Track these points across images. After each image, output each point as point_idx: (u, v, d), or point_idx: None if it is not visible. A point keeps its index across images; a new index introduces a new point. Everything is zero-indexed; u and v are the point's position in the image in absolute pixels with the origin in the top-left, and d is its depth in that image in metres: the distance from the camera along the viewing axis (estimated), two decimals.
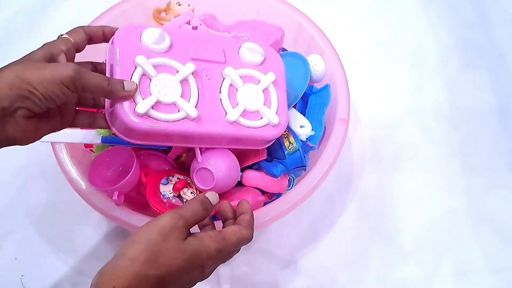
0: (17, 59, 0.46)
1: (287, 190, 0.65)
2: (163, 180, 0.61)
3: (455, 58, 0.88)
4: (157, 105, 0.51)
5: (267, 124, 0.57)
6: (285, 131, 0.63)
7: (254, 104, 0.57)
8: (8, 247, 0.70)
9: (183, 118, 0.52)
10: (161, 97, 0.51)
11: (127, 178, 0.57)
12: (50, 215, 0.72)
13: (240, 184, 0.63)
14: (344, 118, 0.64)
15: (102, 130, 0.63)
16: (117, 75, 0.50)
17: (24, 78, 0.43)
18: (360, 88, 0.84)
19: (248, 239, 0.48)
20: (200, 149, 0.59)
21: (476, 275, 0.70)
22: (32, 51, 0.47)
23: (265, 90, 0.58)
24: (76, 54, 0.50)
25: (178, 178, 0.62)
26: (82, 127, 0.54)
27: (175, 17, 0.71)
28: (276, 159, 0.63)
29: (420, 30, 0.92)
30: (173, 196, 0.60)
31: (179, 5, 0.72)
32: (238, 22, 0.73)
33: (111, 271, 0.41)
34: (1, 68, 0.44)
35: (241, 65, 0.58)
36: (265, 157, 0.63)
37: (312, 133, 0.64)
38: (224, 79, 0.57)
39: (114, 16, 0.71)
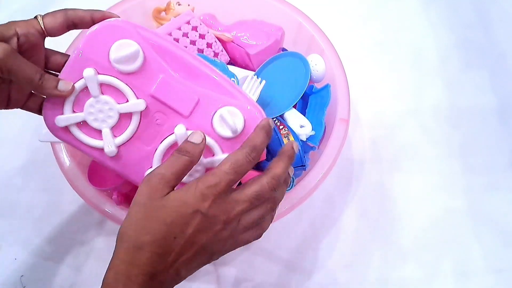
0: None
1: (287, 190, 0.65)
2: None
3: (455, 58, 0.88)
4: (83, 123, 0.47)
5: None
6: (285, 131, 0.62)
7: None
8: (8, 247, 0.70)
9: (101, 149, 0.48)
10: (89, 120, 0.47)
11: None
12: (50, 215, 0.72)
13: (239, 184, 0.63)
14: (344, 118, 0.64)
15: None
16: (61, 73, 0.46)
17: None
18: (360, 88, 0.84)
19: (244, 160, 0.43)
20: None
21: (476, 275, 0.70)
22: None
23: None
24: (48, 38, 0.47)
25: None
26: (33, 110, 0.49)
27: (174, 17, 0.71)
28: None
29: (420, 30, 0.92)
30: None
31: (179, 5, 0.72)
32: (238, 21, 0.73)
33: (119, 241, 0.42)
34: None
35: (203, 129, 0.47)
36: (265, 158, 0.63)
37: (312, 133, 0.64)
38: (171, 134, 0.48)
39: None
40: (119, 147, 0.48)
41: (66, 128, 0.48)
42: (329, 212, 0.74)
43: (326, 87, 0.67)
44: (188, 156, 0.43)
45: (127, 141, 0.48)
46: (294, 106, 0.66)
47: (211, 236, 0.43)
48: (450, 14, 0.93)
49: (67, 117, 0.47)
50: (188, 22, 0.67)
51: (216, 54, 0.67)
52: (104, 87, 0.46)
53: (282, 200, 0.60)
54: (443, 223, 0.73)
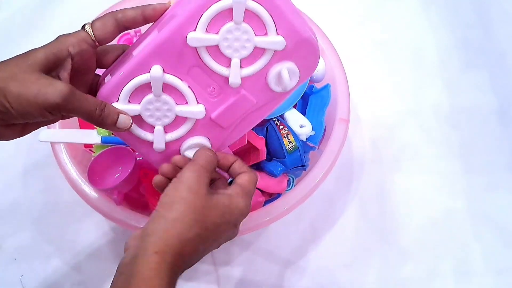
0: (17, 54, 0.41)
1: (287, 190, 0.65)
2: None
3: (455, 58, 0.88)
4: (137, 117, 0.46)
5: None
6: (285, 131, 0.63)
7: (247, 47, 0.44)
8: (8, 247, 0.70)
9: (196, 122, 0.47)
10: (145, 116, 0.46)
11: (126, 177, 0.57)
12: (50, 215, 0.72)
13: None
14: (344, 118, 0.64)
15: (102, 130, 0.63)
16: (126, 67, 0.44)
17: (3, 92, 0.38)
18: (360, 88, 0.84)
19: (257, 178, 0.48)
20: None
21: (476, 275, 0.70)
22: (36, 48, 0.41)
23: None
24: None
25: None
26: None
27: None
28: (276, 159, 0.63)
29: (420, 30, 0.91)
30: None
31: None
32: None
33: (152, 236, 0.40)
34: None
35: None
36: (265, 158, 0.63)
37: (313, 133, 0.64)
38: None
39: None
40: (167, 143, 0.48)
41: None
42: (329, 212, 0.74)
43: (326, 87, 0.67)
44: (215, 156, 0.47)
45: (177, 138, 0.48)
46: (294, 106, 0.66)
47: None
48: (450, 14, 0.93)
49: (122, 107, 0.45)
50: None
51: None
52: (165, 85, 0.45)
53: (282, 200, 0.60)
54: (443, 223, 0.73)
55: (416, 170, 0.77)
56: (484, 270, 0.70)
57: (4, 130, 0.42)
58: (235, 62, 0.44)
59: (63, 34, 0.43)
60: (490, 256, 0.71)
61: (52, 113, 0.40)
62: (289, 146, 0.62)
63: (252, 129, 0.56)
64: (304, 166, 0.63)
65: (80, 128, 0.67)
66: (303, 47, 0.45)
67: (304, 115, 0.66)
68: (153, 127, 0.47)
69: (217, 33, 0.43)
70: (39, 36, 0.89)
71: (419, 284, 0.69)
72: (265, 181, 0.64)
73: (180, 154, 0.49)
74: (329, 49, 0.70)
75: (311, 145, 0.64)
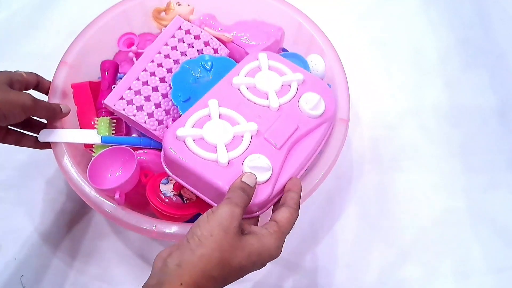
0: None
1: None
2: (163, 180, 0.61)
3: (455, 58, 0.88)
4: (199, 140, 0.54)
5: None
6: None
7: (277, 83, 0.60)
8: (8, 247, 0.70)
9: (251, 138, 0.55)
10: (225, 140, 0.54)
11: (128, 177, 0.57)
12: (50, 215, 0.72)
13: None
14: (344, 118, 0.64)
15: (102, 130, 0.63)
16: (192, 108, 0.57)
17: None
18: (360, 88, 0.84)
19: (295, 219, 0.48)
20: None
21: (476, 275, 0.70)
22: None
23: None
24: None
25: None
26: (9, 143, 0.62)
27: (174, 17, 0.71)
28: None
29: (420, 30, 0.92)
30: (174, 194, 0.60)
31: (179, 5, 0.73)
32: (238, 22, 0.73)
33: (178, 266, 0.42)
34: None
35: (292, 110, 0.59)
36: None
37: None
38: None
39: (115, 15, 0.72)
40: (230, 161, 0.53)
41: (182, 141, 0.54)
42: (329, 212, 0.74)
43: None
44: (249, 198, 0.48)
45: (238, 156, 0.54)
46: None
47: None
48: (450, 14, 0.93)
49: (187, 130, 0.54)
50: (180, 28, 0.67)
51: (215, 50, 0.68)
52: (221, 114, 0.56)
53: None
54: (443, 223, 0.73)
55: (416, 169, 0.77)
56: (484, 270, 0.70)
57: None
58: (272, 92, 0.59)
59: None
60: (490, 256, 0.71)
61: (25, 112, 0.57)
62: None
63: None
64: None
65: (80, 128, 0.67)
66: (316, 81, 0.61)
67: None
68: (215, 147, 0.54)
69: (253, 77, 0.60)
70: (39, 36, 0.89)
71: (419, 284, 0.69)
72: None
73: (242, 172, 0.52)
74: (329, 49, 0.70)
75: None
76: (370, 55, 0.89)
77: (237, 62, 0.71)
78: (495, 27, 0.91)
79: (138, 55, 0.70)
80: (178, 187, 0.60)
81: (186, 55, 0.65)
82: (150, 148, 0.64)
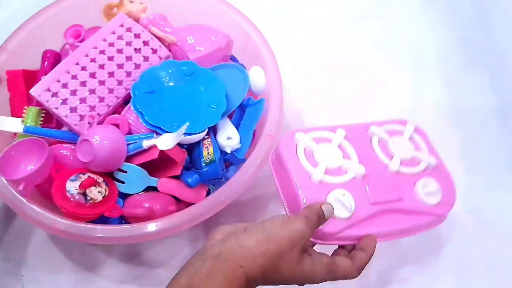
0: None
1: None
2: (72, 177, 0.61)
3: (455, 58, 0.88)
4: (308, 152, 0.58)
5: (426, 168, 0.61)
6: (208, 141, 0.62)
7: (408, 153, 0.61)
8: (8, 247, 0.70)
9: (353, 178, 0.57)
10: (329, 164, 0.57)
11: (34, 169, 0.57)
12: None
13: (156, 189, 0.64)
14: (271, 134, 0.63)
15: (28, 120, 0.63)
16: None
17: None
18: (359, 88, 0.85)
19: (352, 277, 0.51)
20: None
21: (476, 275, 0.70)
22: None
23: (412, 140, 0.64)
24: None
25: (88, 176, 0.61)
26: None
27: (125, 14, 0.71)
28: (194, 169, 0.63)
29: (420, 30, 0.92)
30: (78, 193, 0.59)
31: (131, 2, 0.72)
32: (188, 25, 0.73)
33: (240, 251, 0.44)
34: None
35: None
36: (179, 173, 0.62)
37: (238, 145, 0.63)
38: (371, 136, 0.63)
39: (65, 6, 0.72)
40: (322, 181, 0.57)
41: (322, 183, 0.56)
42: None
43: (261, 101, 0.67)
44: (319, 226, 0.51)
45: (331, 183, 0.57)
46: (230, 117, 0.66)
47: None
48: (450, 14, 0.93)
49: (305, 138, 0.59)
50: (122, 25, 0.66)
51: (154, 51, 0.67)
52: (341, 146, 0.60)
53: (186, 212, 0.60)
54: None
55: None
56: (483, 270, 0.70)
57: None
58: (398, 157, 0.60)
59: None
60: (489, 256, 0.71)
61: None
62: (206, 158, 0.61)
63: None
64: (221, 179, 0.62)
65: (11, 115, 0.66)
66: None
67: (239, 126, 0.66)
68: (318, 164, 0.57)
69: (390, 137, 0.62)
70: None
71: (419, 284, 0.69)
72: (181, 190, 0.63)
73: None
74: (271, 64, 0.69)
75: (239, 157, 0.63)
76: (370, 55, 0.89)
77: None
78: (495, 27, 0.91)
79: (74, 47, 0.69)
80: (84, 186, 0.60)
81: (122, 52, 0.64)
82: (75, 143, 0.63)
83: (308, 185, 0.55)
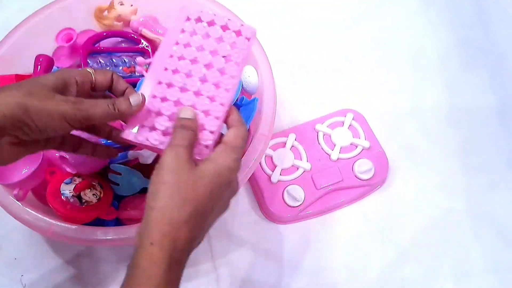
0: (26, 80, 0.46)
1: None
2: (66, 180, 0.61)
3: (455, 58, 0.88)
4: (268, 158, 0.74)
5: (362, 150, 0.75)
6: None
7: (347, 141, 0.76)
8: (8, 247, 0.70)
9: (303, 173, 0.73)
10: (284, 165, 0.74)
11: (28, 173, 0.58)
12: None
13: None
14: (265, 133, 0.63)
15: None
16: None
17: (25, 108, 0.42)
18: (359, 88, 0.85)
19: (247, 135, 0.48)
20: None
21: (476, 275, 0.70)
22: (45, 75, 0.46)
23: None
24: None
25: (83, 178, 0.61)
26: (68, 150, 0.53)
27: (115, 17, 0.71)
28: None
29: (420, 30, 0.91)
30: (72, 195, 0.59)
31: (122, 4, 0.72)
32: None
33: (145, 229, 0.41)
34: (7, 87, 0.43)
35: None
36: None
37: None
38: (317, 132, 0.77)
39: (56, 9, 0.71)
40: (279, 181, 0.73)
41: (280, 182, 0.73)
42: (329, 212, 0.74)
43: (254, 100, 0.66)
44: (193, 132, 0.45)
45: (285, 181, 0.73)
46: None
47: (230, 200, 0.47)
48: (450, 14, 0.93)
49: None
50: (189, 18, 0.52)
51: (238, 33, 0.51)
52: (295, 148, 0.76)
53: None
54: (443, 223, 0.73)
55: (416, 170, 0.77)
56: (483, 270, 0.70)
57: (9, 149, 0.44)
58: (338, 147, 0.76)
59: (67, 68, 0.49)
60: (490, 256, 0.71)
61: (71, 124, 0.44)
62: None
63: None
64: None
65: None
66: (379, 155, 0.75)
67: None
68: (276, 167, 0.73)
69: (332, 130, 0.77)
70: None
71: (419, 284, 0.69)
72: None
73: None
74: (263, 63, 0.68)
75: None
76: (370, 55, 0.89)
77: None
78: (495, 27, 0.91)
79: (73, 48, 0.70)
80: (78, 188, 0.60)
81: (203, 49, 0.50)
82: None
83: (269, 186, 0.72)
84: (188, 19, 0.50)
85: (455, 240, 0.72)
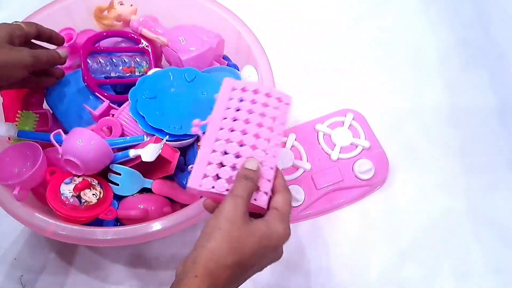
0: None
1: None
2: (66, 180, 0.61)
3: (455, 58, 0.88)
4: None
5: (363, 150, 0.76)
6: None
7: (347, 141, 0.76)
8: (8, 247, 0.70)
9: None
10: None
11: (28, 174, 0.58)
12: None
13: (150, 191, 0.64)
14: None
15: (23, 124, 0.63)
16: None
17: None
18: (359, 88, 0.85)
19: (291, 200, 0.50)
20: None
21: (476, 275, 0.70)
22: None
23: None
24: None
25: (83, 178, 0.61)
26: (30, 88, 0.65)
27: (115, 17, 0.70)
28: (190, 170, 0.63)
29: (420, 30, 0.92)
30: (72, 196, 0.59)
31: (121, 4, 0.72)
32: (178, 26, 0.73)
33: (192, 263, 0.44)
34: None
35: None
36: (172, 173, 0.62)
37: None
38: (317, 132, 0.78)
39: (56, 9, 0.71)
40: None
41: None
42: (329, 211, 0.74)
43: None
44: (254, 183, 0.48)
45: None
46: None
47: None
48: (450, 14, 0.93)
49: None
50: (234, 88, 0.57)
51: (279, 99, 0.57)
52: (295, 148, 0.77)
53: (184, 211, 0.60)
54: (443, 223, 0.73)
55: (416, 170, 0.77)
56: (483, 270, 0.70)
57: None
58: (338, 147, 0.76)
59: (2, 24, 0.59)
60: (489, 256, 0.71)
61: (28, 70, 0.57)
62: None
63: (171, 140, 0.62)
64: None
65: (5, 120, 0.66)
66: (379, 155, 0.75)
67: None
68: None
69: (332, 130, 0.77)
70: None
71: (419, 284, 0.69)
72: (176, 191, 0.64)
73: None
74: (263, 62, 0.69)
75: None
76: (370, 55, 0.89)
77: (171, 65, 0.71)
78: (495, 27, 0.91)
79: (73, 48, 0.70)
80: (78, 189, 0.60)
81: (253, 112, 0.56)
82: None
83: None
84: (233, 89, 0.58)
85: (455, 240, 0.72)
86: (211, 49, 0.70)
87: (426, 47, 0.90)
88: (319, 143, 0.77)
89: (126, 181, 0.63)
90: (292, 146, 0.76)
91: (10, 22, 0.60)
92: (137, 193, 0.64)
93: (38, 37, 0.63)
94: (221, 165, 0.52)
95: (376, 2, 0.95)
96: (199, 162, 0.52)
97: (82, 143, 0.59)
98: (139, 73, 0.70)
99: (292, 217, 0.66)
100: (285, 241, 0.48)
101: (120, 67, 0.70)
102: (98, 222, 0.62)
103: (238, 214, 0.45)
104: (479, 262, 0.70)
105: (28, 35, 0.60)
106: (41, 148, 0.61)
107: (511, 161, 0.78)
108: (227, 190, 0.50)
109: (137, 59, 0.71)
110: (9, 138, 0.65)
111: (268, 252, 0.47)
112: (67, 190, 0.59)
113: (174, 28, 0.72)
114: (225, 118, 0.56)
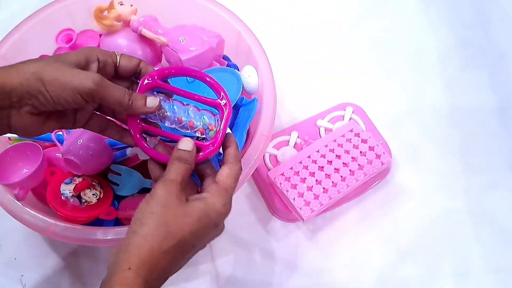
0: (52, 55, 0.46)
1: None
2: (66, 180, 0.61)
3: (455, 58, 0.88)
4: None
5: None
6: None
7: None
8: (8, 247, 0.70)
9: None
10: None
11: (29, 173, 0.58)
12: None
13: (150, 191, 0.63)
14: (265, 134, 0.63)
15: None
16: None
17: (39, 77, 0.42)
18: (359, 88, 0.85)
19: (240, 173, 0.47)
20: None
21: (476, 275, 0.70)
22: (68, 52, 0.46)
23: None
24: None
25: (83, 178, 0.61)
26: (93, 130, 0.51)
27: (116, 17, 0.71)
28: None
29: (420, 30, 0.92)
30: (72, 195, 0.59)
31: (121, 4, 0.72)
32: (178, 26, 0.72)
33: (125, 252, 0.41)
34: (28, 60, 0.44)
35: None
36: None
37: None
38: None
39: (55, 10, 0.71)
40: None
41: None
42: (329, 211, 0.74)
43: (254, 100, 0.66)
44: (189, 165, 0.46)
45: None
46: None
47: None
48: (450, 14, 0.93)
49: (269, 149, 0.75)
50: (351, 130, 0.73)
51: (378, 156, 0.71)
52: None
53: None
54: (443, 223, 0.73)
55: (416, 170, 0.77)
56: (483, 270, 0.70)
57: (30, 119, 0.44)
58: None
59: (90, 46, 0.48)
60: (489, 256, 0.71)
61: (84, 98, 0.43)
62: None
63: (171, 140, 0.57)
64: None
65: None
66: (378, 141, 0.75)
67: (233, 126, 0.66)
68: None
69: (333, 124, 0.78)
70: None
71: (419, 284, 0.69)
72: None
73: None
74: (263, 62, 0.68)
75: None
76: (370, 55, 0.89)
77: (171, 65, 0.71)
78: (495, 27, 0.91)
79: (73, 49, 0.69)
80: (78, 188, 0.60)
81: (348, 153, 0.71)
82: None
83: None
84: (351, 130, 0.72)
85: (455, 240, 0.72)
86: (211, 49, 0.69)
87: (426, 47, 0.90)
88: (321, 137, 0.76)
89: (126, 181, 0.63)
90: (296, 143, 0.75)
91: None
92: (137, 193, 0.64)
93: (137, 77, 0.49)
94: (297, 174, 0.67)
95: (376, 2, 0.95)
96: (285, 163, 0.69)
97: (83, 143, 0.59)
98: (209, 138, 0.50)
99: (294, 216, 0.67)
100: (225, 218, 0.45)
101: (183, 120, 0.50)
102: (98, 222, 0.62)
103: (172, 197, 0.43)
104: (479, 262, 0.70)
105: (120, 68, 0.48)
106: (41, 148, 0.61)
107: (511, 161, 0.78)
108: (287, 191, 0.62)
109: (204, 116, 0.51)
110: (9, 138, 0.65)
111: (209, 230, 0.44)
112: (67, 190, 0.59)
113: (174, 28, 0.72)
114: (325, 146, 0.71)
